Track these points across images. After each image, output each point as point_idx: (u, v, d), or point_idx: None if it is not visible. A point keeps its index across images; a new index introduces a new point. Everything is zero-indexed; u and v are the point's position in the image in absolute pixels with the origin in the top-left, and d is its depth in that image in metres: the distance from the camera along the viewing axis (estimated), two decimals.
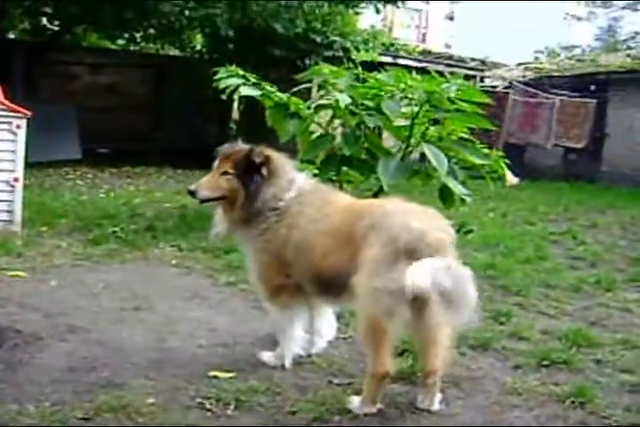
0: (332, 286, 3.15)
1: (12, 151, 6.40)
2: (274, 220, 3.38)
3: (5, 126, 6.35)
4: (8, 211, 6.41)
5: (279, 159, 3.48)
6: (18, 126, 6.38)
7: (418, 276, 2.71)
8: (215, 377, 3.27)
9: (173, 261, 5.61)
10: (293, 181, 3.44)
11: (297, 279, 3.35)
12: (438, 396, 3.08)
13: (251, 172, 3.38)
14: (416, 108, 6.08)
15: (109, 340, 3.74)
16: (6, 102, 6.39)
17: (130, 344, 3.70)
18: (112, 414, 2.85)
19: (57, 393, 3.03)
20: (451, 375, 3.34)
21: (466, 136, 6.35)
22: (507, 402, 3.20)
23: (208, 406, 2.98)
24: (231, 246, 5.56)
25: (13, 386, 3.09)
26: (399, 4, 14.55)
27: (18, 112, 6.41)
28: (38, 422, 2.75)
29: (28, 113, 6.44)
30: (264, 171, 3.38)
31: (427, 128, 6.29)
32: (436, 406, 3.06)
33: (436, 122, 6.38)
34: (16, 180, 6.43)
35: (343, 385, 3.26)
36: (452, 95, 5.83)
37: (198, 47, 16.25)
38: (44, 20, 15.28)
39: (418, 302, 2.84)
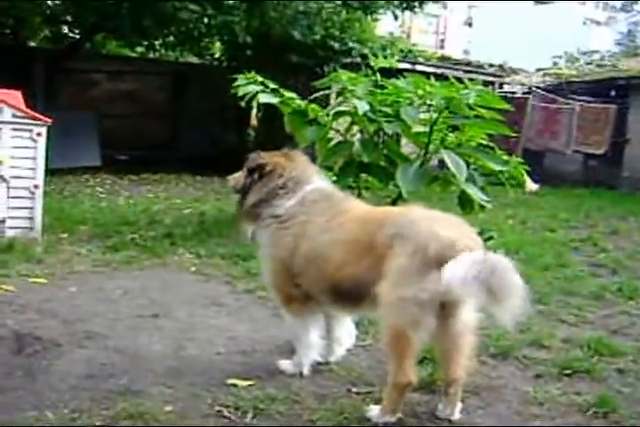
0: (350, 296, 3.12)
1: (33, 158, 6.45)
2: (276, 226, 3.41)
3: (26, 134, 6.40)
4: (28, 217, 6.45)
5: (282, 168, 3.50)
6: (38, 134, 6.43)
7: (454, 273, 2.65)
8: (233, 385, 3.25)
9: (192, 268, 5.62)
10: (296, 189, 3.44)
11: (307, 290, 3.33)
12: (459, 405, 3.05)
13: (249, 174, 3.58)
14: (435, 115, 6.07)
15: (128, 347, 3.74)
16: (27, 110, 6.45)
17: (148, 351, 3.70)
18: (130, 422, 2.84)
19: (75, 400, 3.03)
20: (471, 384, 3.30)
21: (485, 142, 6.32)
22: (528, 412, 3.16)
23: (226, 414, 2.96)
24: (250, 253, 5.56)
25: (32, 393, 3.10)
26: (417, 10, 14.57)
27: (38, 120, 6.45)
28: None
29: (49, 120, 6.49)
30: (255, 175, 3.54)
31: (445, 134, 6.27)
32: (456, 416, 3.02)
33: (454, 128, 6.37)
34: (36, 187, 6.47)
35: (362, 394, 3.24)
36: (471, 101, 5.80)
37: (217, 54, 16.33)
38: (65, 29, 15.44)
39: (444, 311, 2.82)
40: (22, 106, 6.48)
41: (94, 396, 3.08)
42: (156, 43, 14.63)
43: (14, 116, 6.34)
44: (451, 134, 6.34)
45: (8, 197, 6.36)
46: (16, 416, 2.84)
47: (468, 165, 5.88)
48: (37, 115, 6.50)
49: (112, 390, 3.17)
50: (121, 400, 3.02)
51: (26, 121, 6.39)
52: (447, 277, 2.66)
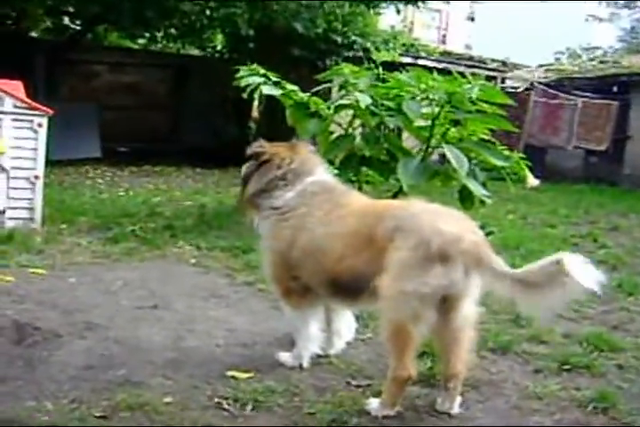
0: (348, 289, 3.12)
1: (34, 149, 6.44)
2: (275, 218, 3.40)
3: (27, 124, 6.39)
4: (28, 208, 6.45)
5: (281, 158, 3.48)
6: (39, 124, 6.42)
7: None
8: (233, 377, 3.25)
9: (192, 260, 5.61)
10: (296, 181, 3.43)
11: (306, 282, 3.32)
12: (458, 399, 3.05)
13: (248, 161, 3.60)
14: (437, 109, 6.05)
15: (127, 338, 3.74)
16: (28, 100, 6.43)
17: (147, 343, 3.69)
18: (129, 413, 2.84)
19: (75, 391, 3.03)
20: (470, 379, 3.29)
21: (486, 137, 6.31)
22: (527, 406, 3.15)
23: (225, 406, 2.96)
24: (250, 246, 5.55)
25: (31, 383, 3.09)
26: (420, 4, 14.52)
27: (39, 110, 6.44)
28: (56, 419, 2.75)
29: (50, 111, 6.48)
30: (252, 162, 3.55)
31: (447, 129, 6.26)
32: (455, 410, 3.02)
33: (456, 123, 6.35)
34: (37, 177, 6.47)
35: (362, 387, 3.23)
36: (474, 96, 5.79)
37: (219, 47, 16.30)
38: (66, 20, 15.40)
39: (445, 305, 2.83)
40: (23, 96, 6.46)
41: (94, 387, 3.08)
42: (158, 35, 14.60)
43: (15, 106, 6.32)
44: (452, 129, 6.33)
45: (8, 188, 6.36)
46: (16, 406, 2.83)
47: (469, 159, 5.88)
48: (38, 105, 6.49)
49: (111, 380, 3.16)
50: (120, 391, 3.02)
51: (27, 111, 6.38)
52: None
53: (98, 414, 2.81)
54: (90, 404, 2.90)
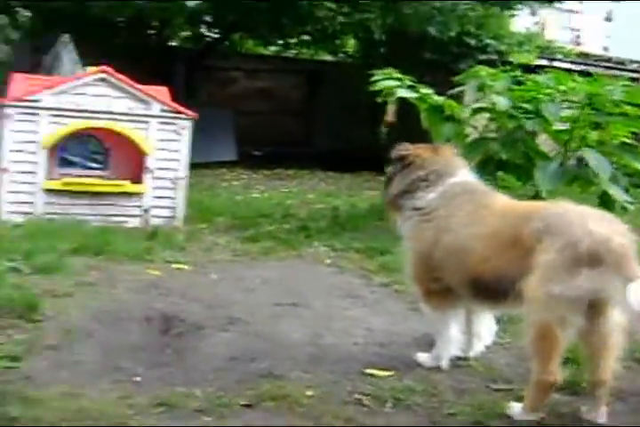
0: (491, 291, 3.08)
1: (177, 151, 6.75)
2: (417, 219, 3.41)
3: (172, 127, 6.71)
4: (171, 207, 6.76)
5: (423, 160, 3.49)
6: (183, 128, 6.72)
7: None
8: (372, 375, 3.28)
9: (327, 261, 5.68)
10: (438, 182, 3.42)
11: (448, 283, 3.31)
12: (605, 408, 2.94)
13: (393, 164, 3.63)
14: (577, 112, 5.90)
15: (267, 333, 3.84)
16: (174, 105, 6.75)
17: (287, 338, 3.79)
18: (273, 403, 2.92)
19: (220, 380, 3.15)
20: (615, 388, 3.17)
21: (629, 141, 6.09)
22: None
23: (365, 403, 2.99)
24: (386, 248, 5.57)
25: (180, 370, 3.25)
26: (555, 3, 14.13)
27: (183, 114, 6.74)
28: (205, 405, 2.87)
29: (194, 115, 6.76)
30: (397, 166, 3.57)
31: (587, 132, 6.08)
32: (602, 419, 2.92)
33: (597, 125, 6.16)
34: (179, 178, 6.77)
35: (502, 391, 3.19)
36: (617, 98, 5.61)
37: (350, 52, 16.43)
38: (203, 29, 16.00)
39: (594, 309, 2.75)
40: (169, 101, 6.79)
41: (238, 377, 3.19)
42: (292, 41, 14.89)
43: (162, 110, 6.66)
44: (593, 132, 6.15)
45: (153, 188, 6.69)
46: (167, 391, 2.98)
47: (610, 164, 5.69)
48: (183, 109, 6.79)
49: (254, 372, 3.27)
50: (264, 382, 3.12)
51: (172, 115, 6.70)
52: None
53: (243, 403, 2.92)
54: (235, 393, 3.00)
